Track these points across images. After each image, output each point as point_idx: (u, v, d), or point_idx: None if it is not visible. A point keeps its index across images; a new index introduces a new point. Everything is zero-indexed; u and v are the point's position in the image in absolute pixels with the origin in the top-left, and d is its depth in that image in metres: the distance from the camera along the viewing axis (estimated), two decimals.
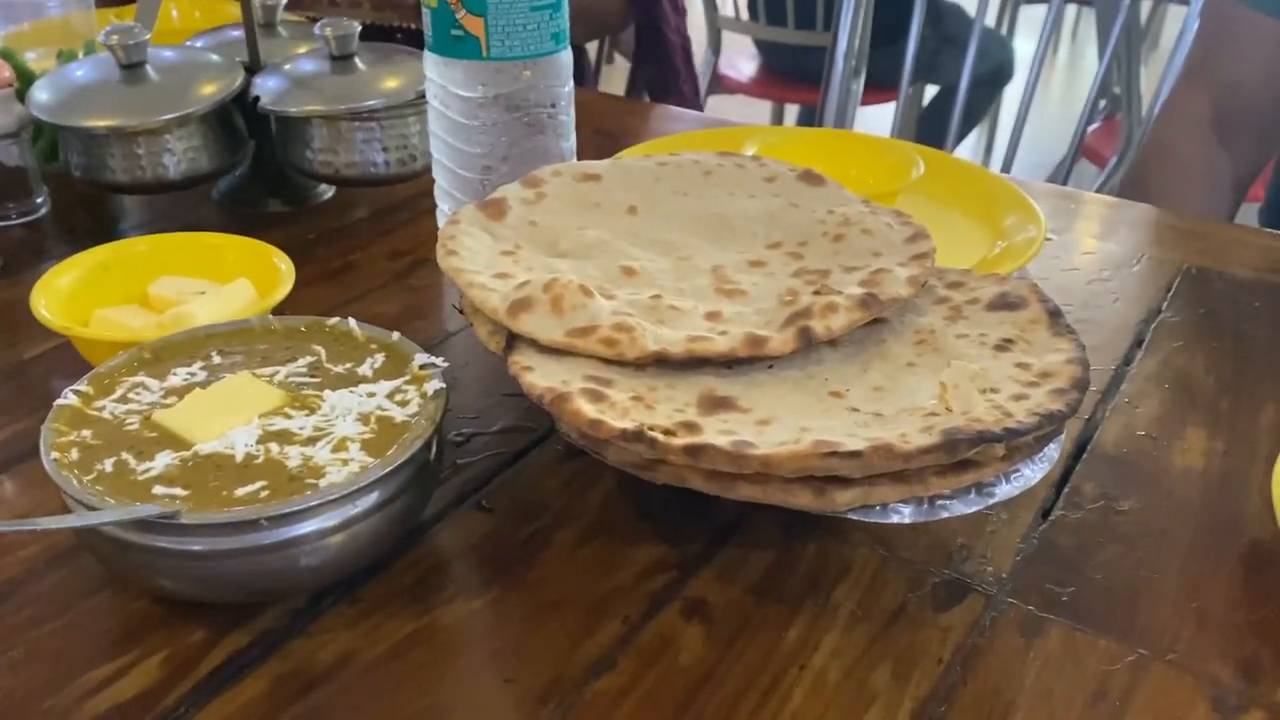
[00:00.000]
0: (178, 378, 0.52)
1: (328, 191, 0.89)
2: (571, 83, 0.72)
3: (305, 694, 0.44)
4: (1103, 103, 2.25)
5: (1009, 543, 0.53)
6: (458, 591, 0.50)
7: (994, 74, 2.39)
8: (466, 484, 0.56)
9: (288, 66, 0.83)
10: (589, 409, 0.46)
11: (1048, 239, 0.80)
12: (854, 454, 0.42)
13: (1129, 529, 0.54)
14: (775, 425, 0.46)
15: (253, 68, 0.84)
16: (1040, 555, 0.52)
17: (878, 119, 2.18)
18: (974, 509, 0.46)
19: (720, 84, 2.41)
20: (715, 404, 0.48)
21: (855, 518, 0.45)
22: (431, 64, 0.70)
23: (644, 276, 0.58)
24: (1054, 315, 0.53)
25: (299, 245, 0.70)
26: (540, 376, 0.49)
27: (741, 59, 2.47)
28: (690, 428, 0.45)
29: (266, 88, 0.82)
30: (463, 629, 0.48)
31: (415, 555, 0.51)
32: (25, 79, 0.85)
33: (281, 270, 0.66)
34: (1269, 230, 0.93)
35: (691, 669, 0.46)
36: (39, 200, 0.85)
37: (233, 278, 0.66)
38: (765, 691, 0.45)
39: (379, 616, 0.48)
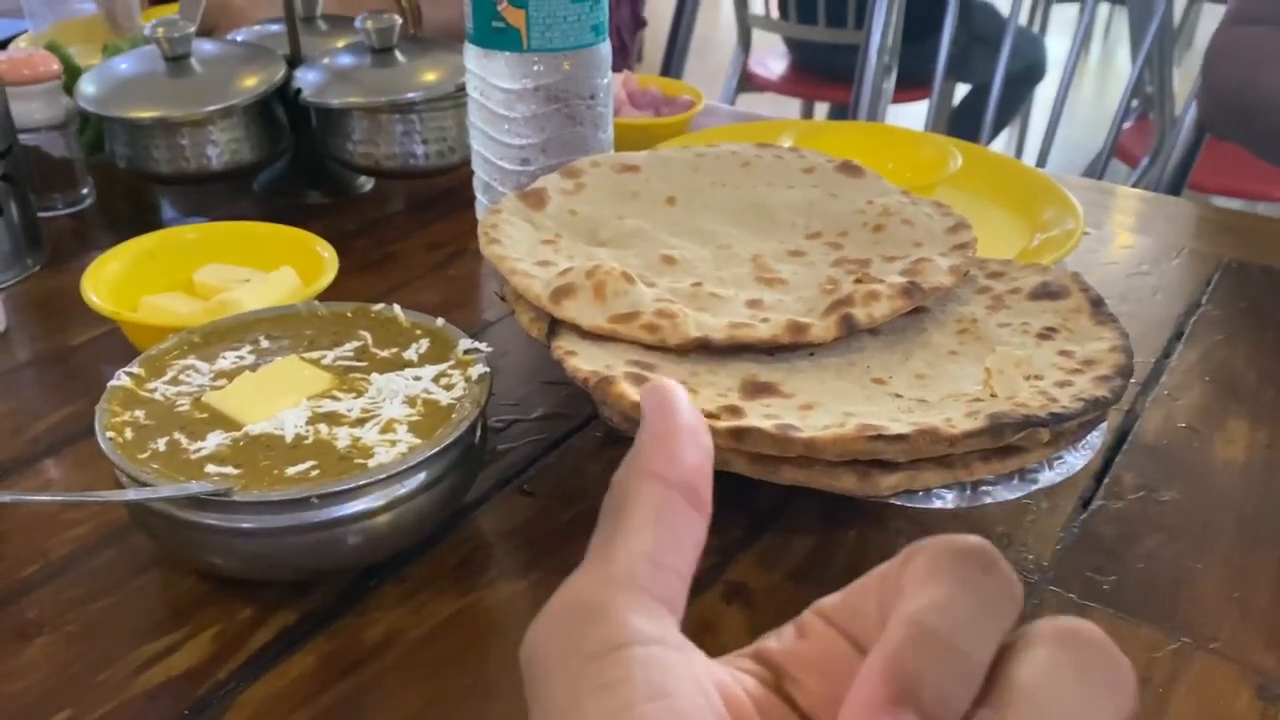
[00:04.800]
0: (227, 361, 0.53)
1: (367, 183, 0.90)
2: (610, 74, 0.72)
3: (353, 671, 0.45)
4: (1135, 102, 2.24)
5: (1050, 531, 0.53)
6: (501, 573, 0.50)
7: (1026, 73, 2.38)
8: (508, 469, 0.57)
9: (328, 59, 0.84)
10: (633, 392, 0.46)
11: (1086, 233, 0.80)
12: (899, 437, 0.42)
13: (1170, 519, 0.54)
14: (818, 410, 0.46)
15: (294, 60, 0.85)
16: (1081, 544, 0.52)
17: (908, 117, 2.18)
18: (1017, 495, 0.46)
19: (750, 82, 2.40)
20: (757, 389, 0.49)
21: (898, 503, 0.45)
22: (472, 56, 0.71)
23: (684, 265, 0.58)
24: (1096, 304, 0.53)
25: (339, 236, 0.71)
26: (584, 361, 0.49)
27: (771, 57, 2.47)
28: (734, 411, 0.46)
29: (307, 80, 0.83)
30: (507, 609, 0.48)
31: (459, 537, 0.52)
32: (72, 72, 0.86)
33: (324, 258, 0.67)
34: None
35: (733, 650, 0.46)
36: (84, 191, 0.87)
37: (276, 266, 0.67)
38: None
39: (425, 596, 0.49)
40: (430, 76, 0.81)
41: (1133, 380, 0.62)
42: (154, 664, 0.45)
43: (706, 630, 0.47)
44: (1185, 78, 1.74)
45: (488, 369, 0.52)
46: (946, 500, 0.45)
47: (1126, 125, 2.13)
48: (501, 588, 0.50)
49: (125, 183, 0.89)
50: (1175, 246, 0.83)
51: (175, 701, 0.44)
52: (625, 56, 1.67)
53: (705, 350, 0.51)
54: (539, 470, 0.57)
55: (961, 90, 2.49)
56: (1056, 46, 2.70)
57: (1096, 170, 1.61)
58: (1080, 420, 0.45)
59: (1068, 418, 0.44)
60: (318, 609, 0.48)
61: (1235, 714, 0.43)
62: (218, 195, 0.89)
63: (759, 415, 0.45)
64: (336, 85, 0.82)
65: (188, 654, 0.46)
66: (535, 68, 0.69)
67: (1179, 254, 0.82)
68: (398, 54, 0.83)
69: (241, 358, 0.53)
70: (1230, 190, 1.85)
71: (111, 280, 0.65)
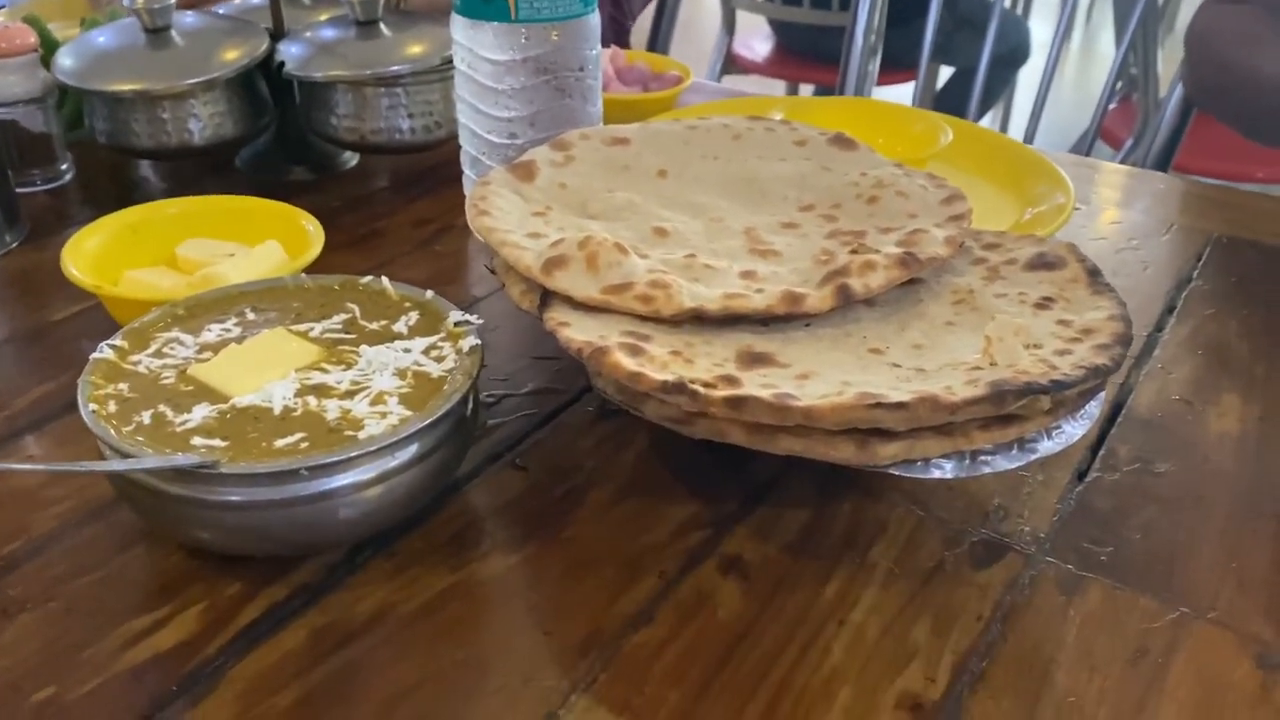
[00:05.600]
0: (212, 333, 0.52)
1: (352, 159, 0.89)
2: (599, 46, 0.71)
3: (343, 646, 0.44)
4: (1119, 84, 2.24)
5: (1046, 503, 0.52)
6: (493, 547, 0.50)
7: (1010, 55, 2.37)
8: (499, 443, 0.56)
9: (311, 32, 0.83)
10: (628, 362, 0.46)
11: (1076, 208, 0.79)
12: (899, 405, 0.42)
13: (1166, 491, 0.54)
14: (816, 379, 0.46)
15: (276, 33, 0.84)
16: (1077, 516, 0.52)
17: (893, 100, 2.17)
18: (1016, 465, 0.45)
19: (734, 64, 2.39)
20: (754, 359, 0.48)
21: (897, 473, 0.45)
22: (459, 27, 0.70)
23: (676, 237, 0.58)
24: (1093, 274, 0.53)
25: (324, 212, 0.70)
26: (577, 331, 0.49)
27: (756, 39, 2.46)
28: (730, 381, 0.45)
29: (291, 53, 0.81)
30: (499, 583, 0.48)
31: (451, 511, 0.51)
32: (50, 45, 0.84)
33: (310, 232, 0.66)
34: None
35: (730, 623, 0.46)
36: (63, 167, 0.85)
37: (261, 240, 0.66)
38: (804, 645, 0.45)
39: (416, 570, 0.48)
40: (416, 49, 0.80)
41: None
42: (140, 640, 0.44)
43: (703, 602, 0.46)
44: (1169, 60, 1.74)
45: (479, 341, 0.51)
46: (945, 470, 0.45)
47: (1111, 107, 2.13)
48: (494, 562, 0.49)
49: (105, 158, 0.87)
50: (1164, 222, 0.83)
51: (162, 678, 0.43)
52: (626, 36, 1.65)
53: (699, 321, 0.50)
54: (531, 445, 0.56)
55: (945, 74, 2.48)
56: (1039, 31, 2.70)
57: (1081, 152, 1.61)
58: (1081, 388, 0.44)
59: (1069, 385, 0.43)
60: (307, 584, 0.47)
61: (1234, 683, 0.43)
62: (200, 171, 0.87)
63: (756, 385, 0.45)
64: (320, 58, 0.80)
65: (175, 630, 0.45)
66: (523, 39, 0.68)
67: (1168, 229, 0.81)
68: (383, 27, 0.81)
69: (227, 330, 0.52)
70: (1213, 172, 1.85)
71: (92, 255, 0.64)
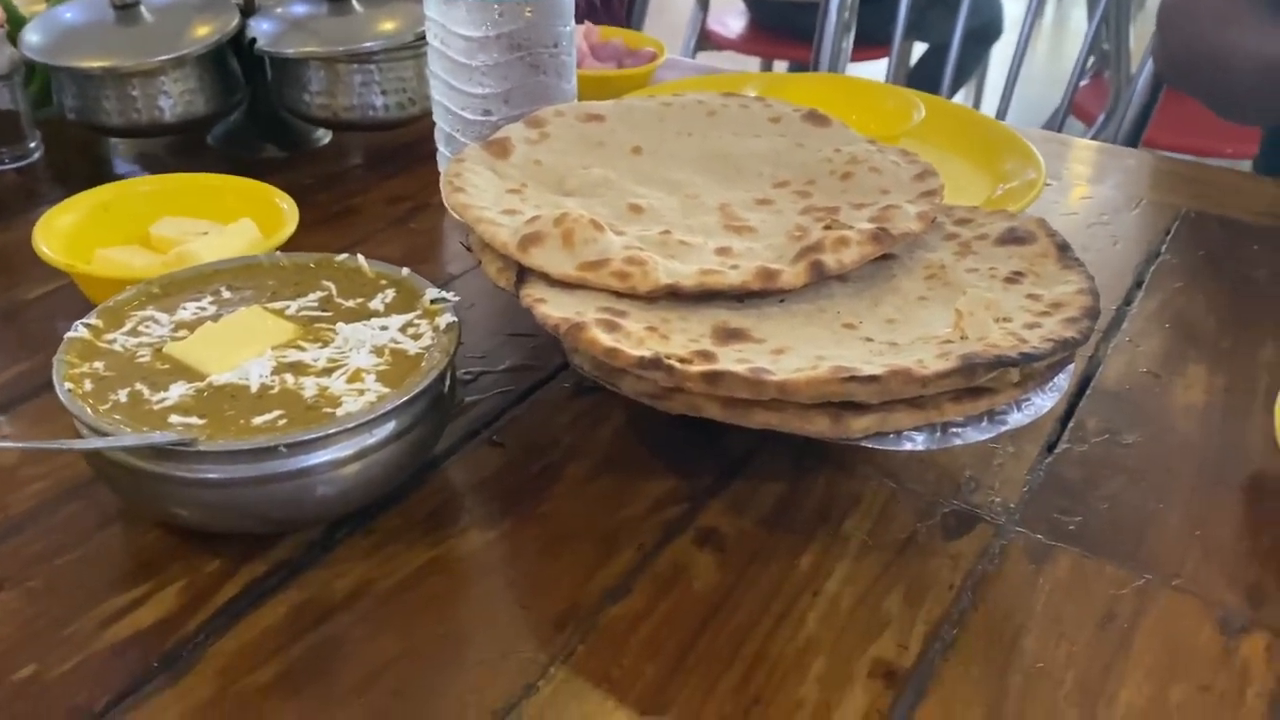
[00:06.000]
0: (187, 312, 0.52)
1: (325, 136, 0.88)
2: (573, 22, 0.71)
3: (322, 622, 0.45)
4: (1091, 60, 2.25)
5: (1016, 475, 0.53)
6: (471, 523, 0.50)
7: (983, 31, 2.38)
8: (476, 420, 0.56)
9: (283, 8, 0.82)
10: (605, 338, 0.46)
11: (1047, 184, 0.80)
12: (872, 378, 0.42)
13: (1133, 462, 0.55)
14: (790, 354, 0.46)
15: (248, 9, 0.83)
16: (1047, 486, 0.53)
17: (866, 76, 2.17)
18: (986, 436, 0.46)
19: (708, 40, 2.38)
20: (729, 335, 0.48)
21: (870, 445, 0.45)
22: (433, 3, 0.69)
23: (651, 214, 0.58)
24: (1062, 249, 0.53)
25: (297, 190, 0.69)
26: (554, 308, 0.49)
27: (730, 15, 2.45)
28: (706, 356, 0.46)
29: (262, 29, 0.81)
30: (478, 559, 0.48)
31: (428, 488, 0.52)
32: (16, 21, 0.83)
33: (284, 210, 0.66)
34: (1266, 177, 0.94)
35: (706, 595, 0.46)
36: (31, 145, 0.84)
37: (234, 219, 0.66)
38: (779, 616, 0.45)
39: (394, 547, 0.48)
40: (389, 25, 0.79)
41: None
42: (121, 618, 0.44)
43: (679, 575, 0.47)
44: (1141, 35, 1.75)
45: (455, 318, 0.51)
46: (917, 443, 0.45)
47: (1082, 83, 2.14)
48: (472, 538, 0.49)
49: (75, 136, 0.86)
50: (1134, 197, 0.83)
51: (143, 654, 0.43)
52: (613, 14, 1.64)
53: (675, 297, 0.51)
54: (508, 421, 0.57)
55: (919, 50, 2.49)
56: (1012, 7, 2.70)
57: (1053, 128, 1.62)
58: (1050, 360, 0.45)
59: (1038, 357, 0.44)
60: (286, 561, 0.47)
61: (1198, 647, 0.44)
62: (171, 149, 0.87)
63: (731, 360, 0.45)
64: (292, 34, 0.80)
65: (155, 607, 0.45)
66: (497, 15, 0.67)
67: (1138, 205, 0.82)
68: (354, 2, 0.81)
69: (203, 308, 0.52)
70: (1182, 147, 1.87)
71: (64, 233, 0.64)
